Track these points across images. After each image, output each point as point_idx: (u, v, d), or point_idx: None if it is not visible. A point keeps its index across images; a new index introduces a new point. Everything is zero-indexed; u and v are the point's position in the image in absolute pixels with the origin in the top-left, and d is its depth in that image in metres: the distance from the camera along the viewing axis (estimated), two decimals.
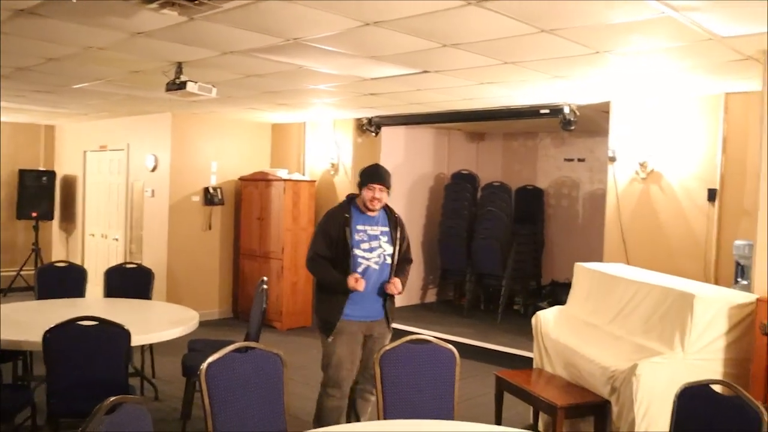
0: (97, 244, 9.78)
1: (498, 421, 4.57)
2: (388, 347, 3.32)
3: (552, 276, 9.07)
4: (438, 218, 9.26)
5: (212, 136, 8.75)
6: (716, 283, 5.37)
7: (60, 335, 3.70)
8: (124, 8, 3.50)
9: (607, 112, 6.28)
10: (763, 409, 2.53)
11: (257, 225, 8.59)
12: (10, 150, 10.25)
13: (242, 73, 5.34)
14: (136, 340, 4.03)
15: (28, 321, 4.48)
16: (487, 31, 3.76)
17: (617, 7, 3.24)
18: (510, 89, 5.70)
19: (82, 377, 3.76)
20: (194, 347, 5.00)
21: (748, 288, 4.33)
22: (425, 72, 5.04)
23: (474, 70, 4.91)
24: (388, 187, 4.15)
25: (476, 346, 7.04)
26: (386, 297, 4.20)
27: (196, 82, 5.01)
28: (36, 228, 9.95)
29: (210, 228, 8.75)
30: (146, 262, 7.71)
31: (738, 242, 4.88)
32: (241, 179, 8.89)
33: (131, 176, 9.01)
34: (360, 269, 4.08)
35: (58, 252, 10.57)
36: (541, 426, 4.69)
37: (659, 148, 5.92)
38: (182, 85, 4.96)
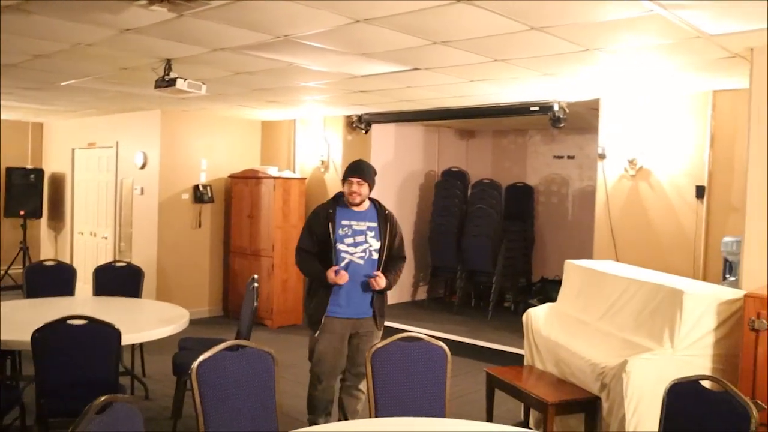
0: (85, 243, 9.72)
1: (489, 418, 4.58)
2: (379, 345, 3.32)
3: (542, 273, 9.10)
4: (428, 216, 9.27)
5: (202, 134, 8.71)
6: (704, 279, 5.41)
7: (49, 334, 3.67)
8: (112, 4, 3.47)
9: (597, 110, 6.30)
10: (751, 405, 2.55)
11: (247, 223, 8.56)
12: None
13: (232, 71, 5.32)
14: (127, 339, 4.01)
15: (17, 320, 4.44)
16: (477, 28, 3.77)
17: (607, 4, 3.25)
18: (500, 86, 5.71)
19: (71, 377, 3.73)
20: (185, 346, 4.98)
21: (736, 284, 4.36)
22: (415, 69, 5.04)
23: (464, 68, 4.91)
24: (367, 180, 4.19)
25: (467, 343, 7.06)
26: (374, 294, 4.21)
27: (185, 79, 4.99)
28: (24, 226, 9.87)
29: (200, 226, 8.71)
30: (136, 261, 7.68)
31: (726, 239, 4.92)
32: (231, 177, 8.86)
33: (120, 174, 8.96)
34: (343, 264, 4.13)
35: (46, 250, 10.51)
36: (532, 422, 4.71)
37: (648, 145, 5.95)
38: (172, 82, 4.93)
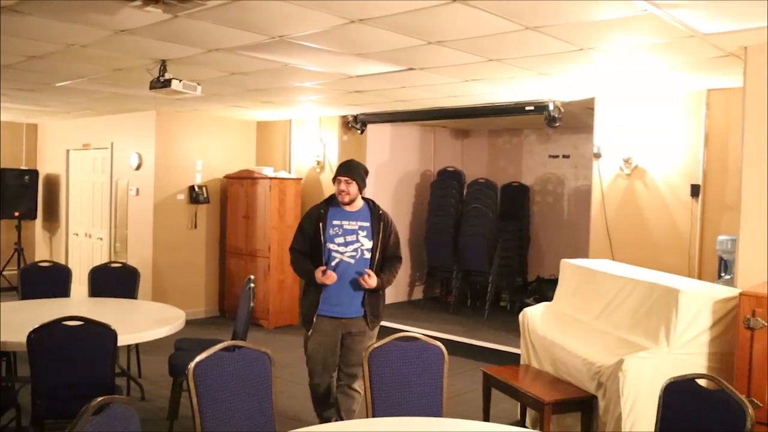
0: (81, 244, 9.70)
1: (486, 418, 4.59)
2: (376, 345, 3.32)
3: (538, 272, 9.11)
4: (424, 215, 9.27)
5: (197, 134, 8.70)
6: (700, 278, 5.43)
7: (45, 335, 3.65)
8: (107, 5, 3.46)
9: (592, 109, 6.31)
10: (747, 403, 2.55)
11: (243, 223, 8.56)
12: None
13: (227, 71, 5.32)
14: (123, 340, 3.99)
15: (12, 321, 4.42)
16: (472, 28, 3.77)
17: (600, 4, 3.26)
18: (495, 86, 5.72)
19: (67, 378, 3.72)
20: (181, 346, 4.97)
21: (731, 282, 4.37)
22: (410, 69, 5.04)
23: (459, 68, 4.92)
24: (355, 179, 4.20)
25: (463, 342, 7.07)
26: (366, 294, 4.21)
27: (180, 80, 4.98)
28: (18, 227, 9.83)
29: (195, 226, 8.70)
30: (131, 261, 7.65)
31: (721, 237, 4.93)
32: (227, 177, 8.85)
33: (115, 175, 8.93)
34: (333, 263, 4.17)
35: (41, 252, 10.47)
36: (528, 422, 4.72)
37: (643, 144, 5.96)
38: (167, 83, 4.92)
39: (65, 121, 9.87)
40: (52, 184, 10.31)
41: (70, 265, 7.36)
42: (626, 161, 6.02)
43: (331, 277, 4.10)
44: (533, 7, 3.35)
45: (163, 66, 4.96)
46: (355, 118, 8.18)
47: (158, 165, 8.32)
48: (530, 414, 4.71)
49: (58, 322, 3.69)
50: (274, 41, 4.18)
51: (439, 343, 3.39)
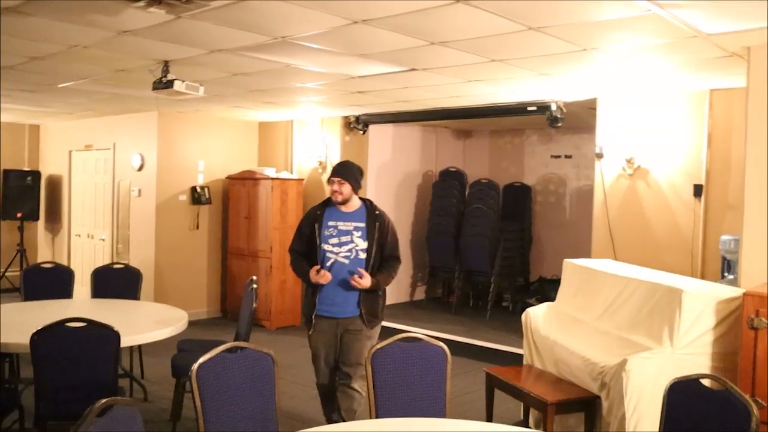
0: (83, 245, 9.70)
1: (489, 418, 4.59)
2: (378, 345, 3.32)
3: (540, 272, 9.11)
4: (426, 216, 9.27)
5: (199, 135, 8.70)
6: (703, 277, 5.42)
7: (48, 337, 3.65)
8: (110, 6, 3.46)
9: (594, 109, 6.31)
10: (751, 403, 2.55)
11: (245, 224, 8.56)
12: None
13: (229, 72, 5.32)
14: (125, 341, 3.99)
15: (15, 323, 4.43)
16: (475, 28, 3.77)
17: (603, 4, 3.25)
18: (497, 86, 5.71)
19: (70, 379, 3.72)
20: (183, 347, 4.98)
21: (734, 282, 4.37)
22: (413, 70, 5.04)
23: (461, 68, 4.92)
24: (347, 179, 4.23)
25: (466, 343, 7.06)
26: (362, 294, 4.21)
27: (183, 81, 4.98)
28: (21, 228, 9.84)
29: (197, 227, 8.70)
30: (133, 262, 7.67)
31: (724, 237, 4.92)
32: (229, 178, 8.85)
33: (117, 176, 8.93)
34: (328, 263, 4.20)
35: (43, 253, 10.48)
36: (531, 422, 4.71)
37: (646, 144, 5.95)
38: (169, 84, 4.93)
39: (67, 122, 9.88)
40: (54, 185, 10.31)
41: (72, 266, 7.40)
42: (629, 161, 6.01)
43: (325, 277, 4.12)
44: (536, 8, 3.34)
45: (166, 67, 4.96)
46: (357, 118, 8.18)
47: (160, 166, 8.32)
48: (533, 414, 4.70)
49: (60, 323, 3.69)
50: (276, 42, 4.18)
51: (441, 344, 3.38)
